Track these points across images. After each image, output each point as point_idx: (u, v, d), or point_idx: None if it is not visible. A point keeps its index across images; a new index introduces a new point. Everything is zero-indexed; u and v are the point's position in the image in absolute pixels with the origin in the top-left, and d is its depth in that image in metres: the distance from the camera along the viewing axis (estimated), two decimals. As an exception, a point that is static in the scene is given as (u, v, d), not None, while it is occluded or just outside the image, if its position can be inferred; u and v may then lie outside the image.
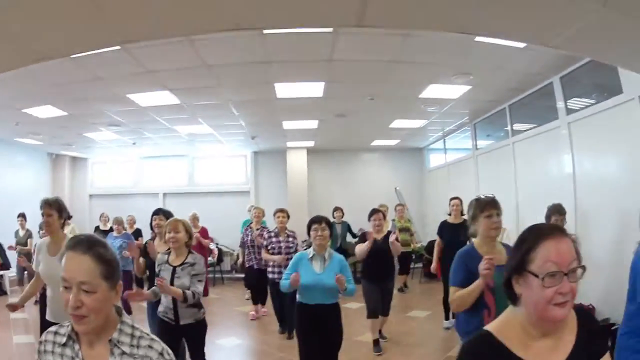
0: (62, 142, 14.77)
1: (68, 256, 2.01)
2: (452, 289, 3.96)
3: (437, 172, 16.21)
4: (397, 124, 12.70)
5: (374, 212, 8.13)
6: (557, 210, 6.71)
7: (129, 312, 10.26)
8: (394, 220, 13.20)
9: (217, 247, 15.63)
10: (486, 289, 3.73)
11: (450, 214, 9.22)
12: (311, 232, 5.49)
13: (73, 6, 3.69)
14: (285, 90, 9.21)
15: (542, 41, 4.85)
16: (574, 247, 1.93)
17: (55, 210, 5.14)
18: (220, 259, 15.74)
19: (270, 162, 17.20)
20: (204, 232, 12.94)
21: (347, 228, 13.82)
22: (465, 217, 8.20)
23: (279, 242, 8.94)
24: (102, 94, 9.28)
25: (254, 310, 10.45)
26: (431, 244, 13.67)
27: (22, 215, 12.29)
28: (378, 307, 8.00)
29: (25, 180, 15.85)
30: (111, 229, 12.06)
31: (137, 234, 12.76)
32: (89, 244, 2.02)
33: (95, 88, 8.83)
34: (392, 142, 15.99)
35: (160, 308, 5.40)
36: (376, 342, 8.08)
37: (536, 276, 1.87)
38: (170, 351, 2.10)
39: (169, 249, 5.61)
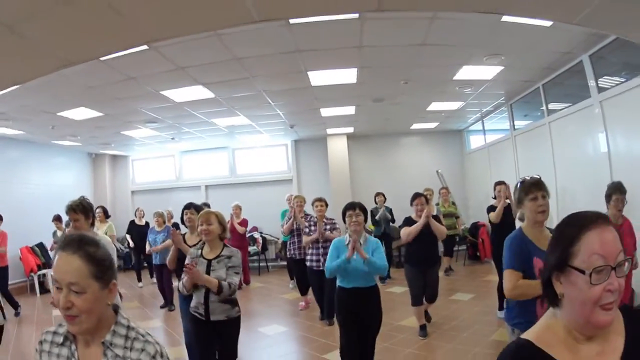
0: (100, 141, 15.10)
1: (58, 256, 1.99)
2: (508, 272, 3.73)
3: (477, 154, 16.04)
4: (434, 106, 12.63)
5: (416, 196, 7.96)
6: (617, 189, 6.28)
7: (170, 302, 10.52)
8: (437, 204, 13.22)
9: (261, 236, 15.72)
10: (539, 276, 3.27)
11: (495, 198, 9.13)
12: (346, 219, 5.50)
13: (92, 14, 3.80)
14: (318, 77, 9.22)
15: (565, 18, 4.87)
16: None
17: (80, 213, 5.21)
18: (264, 248, 15.79)
19: (311, 150, 17.22)
20: (244, 224, 13.07)
21: (390, 213, 13.66)
22: (509, 200, 8.29)
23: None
24: (136, 93, 9.46)
25: (304, 300, 10.37)
26: (474, 225, 14.26)
27: (57, 219, 12.36)
28: (421, 293, 7.87)
29: (66, 180, 16.31)
30: (147, 224, 12.39)
31: (176, 228, 12.55)
32: (78, 244, 2.00)
33: (128, 88, 9.01)
34: (431, 125, 15.86)
35: (192, 303, 5.26)
36: (423, 327, 7.91)
37: (581, 272, 1.66)
38: (164, 352, 2.08)
39: (199, 241, 5.68)
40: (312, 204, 9.30)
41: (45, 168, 15.41)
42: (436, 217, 8.06)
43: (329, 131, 15.89)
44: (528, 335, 1.79)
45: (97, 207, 11.08)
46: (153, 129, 13.35)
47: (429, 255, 7.87)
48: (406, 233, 7.69)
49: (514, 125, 12.66)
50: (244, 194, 16.44)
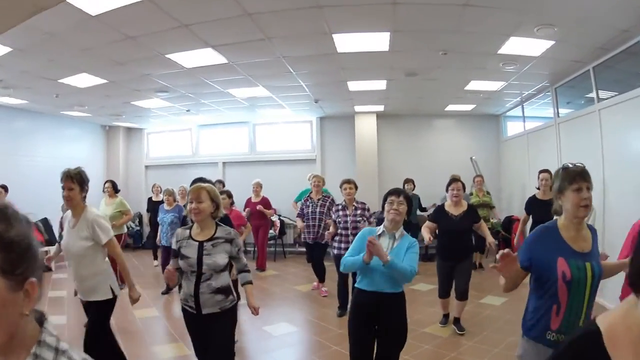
0: (111, 112, 14.79)
1: None
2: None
3: (514, 141, 15.07)
4: (473, 85, 11.63)
5: (453, 181, 7.50)
6: None
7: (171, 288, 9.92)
8: (471, 194, 12.42)
9: (279, 218, 15.09)
10: (560, 279, 3.25)
11: (538, 189, 8.47)
12: (386, 205, 4.72)
13: None
14: (345, 42, 8.32)
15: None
16: None
17: (77, 182, 5.00)
18: (282, 232, 15.20)
19: (338, 129, 16.40)
20: (265, 202, 12.69)
21: (418, 201, 13.01)
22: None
23: (346, 215, 8.41)
24: (138, 56, 8.81)
25: (317, 284, 10.02)
26: (508, 219, 13.43)
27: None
28: (448, 288, 7.72)
29: (78, 153, 16.08)
30: (162, 201, 11.70)
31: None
32: None
33: (127, 49, 8.35)
34: (468, 108, 14.92)
35: (181, 295, 4.68)
36: (445, 316, 7.85)
37: None
38: None
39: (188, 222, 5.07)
40: (340, 187, 8.78)
41: (55, 140, 15.31)
42: (473, 209, 7.75)
43: (357, 109, 15.02)
44: (602, 321, 1.57)
45: (106, 182, 10.99)
46: (165, 100, 12.80)
47: (459, 248, 7.50)
48: (424, 232, 7.40)
49: (558, 112, 11.62)
50: (263, 172, 15.67)
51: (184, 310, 4.65)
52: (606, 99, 9.21)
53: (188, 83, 10.99)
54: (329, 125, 16.61)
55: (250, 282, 4.80)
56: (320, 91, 12.36)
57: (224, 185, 13.21)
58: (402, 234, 4.69)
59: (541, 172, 8.38)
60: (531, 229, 7.91)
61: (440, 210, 7.49)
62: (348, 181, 8.68)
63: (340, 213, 8.42)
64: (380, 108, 14.98)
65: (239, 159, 17.26)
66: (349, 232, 8.21)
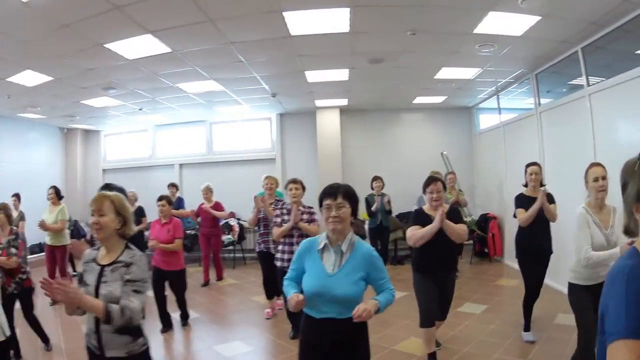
0: (64, 113, 14.04)
1: None
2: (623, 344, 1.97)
3: (489, 134, 14.25)
4: (445, 73, 10.69)
5: (431, 180, 6.05)
6: None
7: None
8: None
9: (238, 223, 14.14)
10: None
11: (525, 185, 7.22)
12: (323, 211, 3.73)
13: None
14: (299, 22, 7.30)
15: None
16: None
17: None
18: (242, 237, 14.20)
19: (299, 126, 15.54)
20: (218, 208, 11.75)
21: (387, 201, 11.94)
22: (546, 187, 7.15)
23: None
24: (75, 47, 8.03)
25: (270, 306, 8.79)
26: (483, 218, 13.42)
27: (15, 196, 11.54)
28: (435, 310, 6.03)
29: (39, 157, 15.79)
30: None
31: (139, 213, 11.05)
32: None
33: (64, 40, 7.60)
34: (438, 100, 14.04)
35: (85, 329, 3.55)
36: (432, 356, 6.05)
37: None
38: None
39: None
40: (285, 187, 7.63)
41: (15, 144, 14.85)
42: (455, 210, 6.28)
43: (319, 103, 14.14)
44: None
45: (50, 188, 10.57)
46: (114, 98, 12.02)
47: (445, 258, 6.04)
48: (417, 236, 5.82)
49: (539, 100, 10.72)
50: (221, 174, 15.32)
51: (87, 348, 3.56)
52: (595, 84, 8.46)
53: (134, 77, 10.20)
54: (290, 122, 15.78)
55: (110, 310, 3.25)
56: (277, 84, 11.35)
57: (177, 189, 13.02)
58: (353, 243, 3.70)
59: (529, 165, 7.18)
60: (518, 232, 7.15)
61: (420, 214, 6.15)
62: (294, 181, 7.51)
63: (286, 218, 7.26)
64: (344, 102, 14.12)
65: (196, 160, 16.41)
66: (294, 240, 7.07)
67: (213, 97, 12.54)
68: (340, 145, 14.99)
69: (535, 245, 6.82)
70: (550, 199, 6.80)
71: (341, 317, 3.52)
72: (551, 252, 6.93)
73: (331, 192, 3.70)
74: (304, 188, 7.52)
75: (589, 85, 8.52)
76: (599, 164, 5.07)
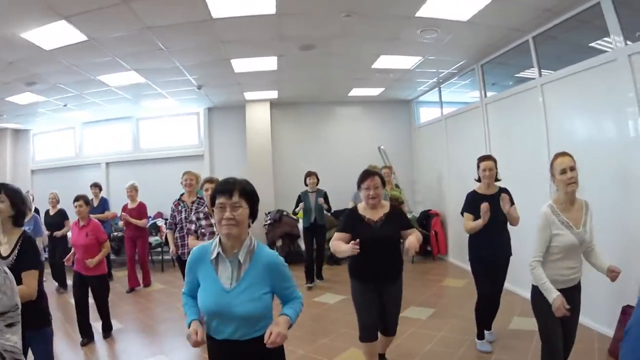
0: None
1: None
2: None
3: (429, 128, 13.82)
4: (383, 62, 10.00)
5: (367, 175, 5.26)
6: None
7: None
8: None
9: (166, 223, 13.06)
10: None
11: (479, 180, 6.46)
12: (215, 212, 3.05)
13: None
14: (220, 2, 6.55)
15: None
16: None
17: None
18: None
19: (228, 120, 14.83)
20: (141, 209, 11.04)
21: (324, 198, 11.10)
22: (501, 183, 6.50)
23: (211, 225, 6.52)
24: None
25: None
26: (424, 214, 13.10)
27: None
28: (375, 325, 5.29)
29: None
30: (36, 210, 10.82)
31: (62, 216, 10.68)
32: None
33: None
34: (375, 92, 13.46)
35: None
36: None
37: None
38: None
39: None
40: (201, 187, 7.17)
41: None
42: (397, 211, 5.50)
43: (248, 96, 13.37)
44: None
45: None
46: (38, 93, 11.18)
47: (384, 265, 5.21)
48: (337, 249, 5.15)
49: (485, 92, 10.16)
50: (149, 172, 14.70)
51: None
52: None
53: (55, 70, 9.38)
54: (218, 117, 15.09)
55: None
56: (202, 74, 10.58)
57: (100, 190, 12.19)
58: (252, 250, 3.09)
59: (482, 159, 6.39)
60: (471, 238, 6.41)
61: (352, 215, 5.39)
62: (210, 180, 6.85)
63: (203, 223, 6.53)
64: (274, 95, 13.43)
65: (122, 158, 15.61)
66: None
67: (137, 90, 11.73)
68: (270, 141, 14.41)
69: (491, 253, 6.14)
70: (506, 192, 6.21)
71: (246, 338, 3.01)
72: (510, 255, 6.30)
73: (225, 188, 3.04)
74: None
75: (540, 75, 8.03)
76: (565, 154, 4.43)
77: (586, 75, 6.77)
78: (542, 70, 8.11)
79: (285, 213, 12.83)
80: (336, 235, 5.24)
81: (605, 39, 6.49)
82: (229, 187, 3.03)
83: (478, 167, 6.34)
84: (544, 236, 4.31)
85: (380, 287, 5.25)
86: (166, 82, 11.00)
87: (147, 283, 11.28)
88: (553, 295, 4.10)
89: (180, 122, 15.35)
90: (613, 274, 4.22)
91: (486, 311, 6.37)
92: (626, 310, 5.57)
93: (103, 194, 12.48)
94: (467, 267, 6.70)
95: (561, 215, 4.32)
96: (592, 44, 6.97)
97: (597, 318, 6.37)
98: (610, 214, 6.00)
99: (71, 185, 13.07)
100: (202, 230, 6.46)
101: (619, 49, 6.11)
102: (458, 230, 7.70)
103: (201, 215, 6.53)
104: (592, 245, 4.43)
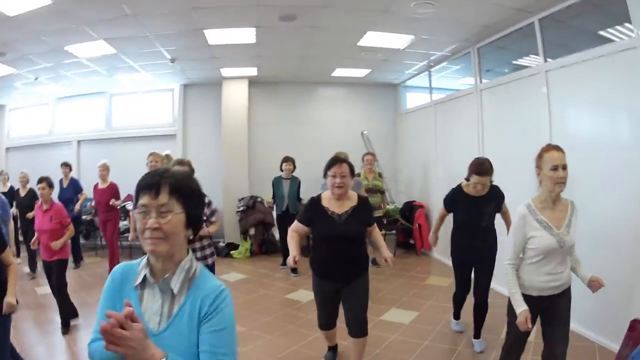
0: None
1: None
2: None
3: (416, 114, 13.12)
4: (370, 39, 9.26)
5: (334, 161, 4.86)
6: None
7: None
8: (358, 175, 10.11)
9: None
10: None
11: (468, 180, 5.79)
12: (137, 216, 2.08)
13: None
14: None
15: None
16: None
17: None
18: None
19: (204, 98, 14.05)
20: (113, 189, 10.64)
21: (298, 186, 10.72)
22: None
23: None
24: None
25: None
26: (408, 206, 12.50)
27: None
28: (331, 322, 5.31)
29: None
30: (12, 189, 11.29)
31: (32, 197, 10.32)
32: None
33: None
34: (360, 73, 12.79)
35: None
36: (332, 349, 5.71)
37: None
38: None
39: None
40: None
41: None
42: (365, 205, 5.10)
43: (225, 72, 12.54)
44: None
45: None
46: (7, 64, 10.54)
47: (347, 263, 4.92)
48: (289, 246, 4.94)
49: (480, 77, 9.50)
50: (121, 151, 13.82)
51: None
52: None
53: (21, 39, 8.73)
54: (194, 94, 14.25)
55: None
56: (175, 46, 9.78)
57: (70, 169, 11.70)
58: (192, 276, 2.12)
59: (480, 172, 5.55)
60: (454, 232, 6.14)
61: (313, 205, 4.97)
62: (180, 162, 6.31)
63: None
64: (253, 72, 12.60)
65: (94, 136, 14.82)
66: None
67: (109, 63, 10.96)
68: (247, 122, 13.63)
69: (473, 258, 5.87)
70: (499, 195, 5.83)
71: None
72: (494, 258, 5.85)
73: (149, 183, 2.06)
74: (192, 171, 6.20)
75: (546, 61, 7.34)
76: (557, 148, 3.96)
77: (599, 63, 6.11)
78: (536, 59, 7.60)
79: (259, 199, 12.22)
80: (294, 225, 5.01)
81: (617, 27, 6.06)
82: (154, 182, 2.06)
83: (470, 173, 5.68)
84: (518, 238, 3.97)
85: (342, 287, 4.96)
86: (138, 54, 10.30)
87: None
88: (519, 308, 3.83)
89: (155, 98, 14.61)
90: (596, 284, 3.89)
91: (461, 303, 6.33)
92: (635, 326, 4.92)
93: (74, 173, 12.01)
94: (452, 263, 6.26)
95: (539, 215, 3.92)
96: (602, 32, 6.42)
97: (599, 329, 5.85)
98: (623, 221, 5.55)
99: (45, 164, 12.56)
100: None
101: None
102: (444, 224, 7.14)
103: None
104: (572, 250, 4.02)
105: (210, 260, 5.96)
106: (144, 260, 2.16)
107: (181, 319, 2.03)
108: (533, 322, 3.87)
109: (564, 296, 4.02)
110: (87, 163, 13.66)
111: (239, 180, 12.76)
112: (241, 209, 12.23)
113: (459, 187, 5.88)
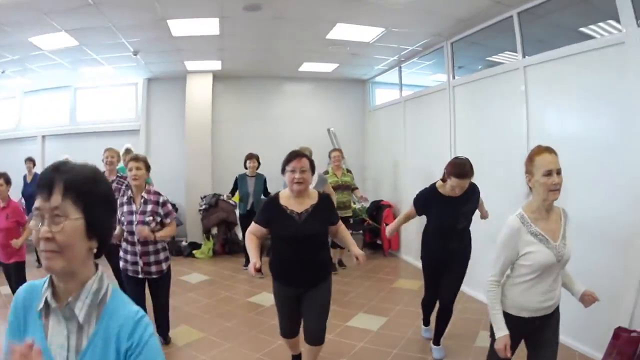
0: None
1: None
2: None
3: (386, 111, 12.94)
4: (339, 32, 8.94)
5: (292, 156, 4.53)
6: None
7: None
8: (326, 173, 9.95)
9: None
10: None
11: (444, 180, 5.36)
12: (30, 223, 1.60)
13: None
14: None
15: None
16: None
17: None
18: None
19: (168, 93, 13.61)
20: None
21: (264, 184, 10.36)
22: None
23: (132, 212, 5.59)
24: None
25: None
26: (375, 205, 12.23)
27: None
28: (293, 330, 4.95)
29: None
30: None
31: None
32: None
33: None
34: (328, 68, 12.49)
35: None
36: (297, 357, 5.26)
37: None
38: None
39: None
40: (126, 166, 6.44)
41: None
42: (326, 202, 4.75)
43: (190, 66, 12.15)
44: None
45: None
46: None
47: (312, 266, 4.62)
48: (249, 251, 4.63)
49: (453, 73, 9.22)
50: (86, 147, 12.73)
51: None
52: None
53: None
54: (158, 89, 13.82)
55: None
56: (138, 37, 9.40)
57: (34, 165, 11.57)
58: (101, 301, 1.72)
59: (459, 175, 5.12)
60: (426, 235, 5.78)
61: (271, 205, 4.64)
62: (135, 158, 5.79)
63: (125, 208, 5.59)
64: (217, 65, 12.22)
65: (59, 131, 14.32)
66: (135, 238, 5.47)
67: (73, 55, 10.53)
68: (211, 117, 13.31)
69: (444, 262, 5.49)
70: (475, 191, 5.49)
71: None
72: (469, 253, 5.61)
73: (43, 181, 1.66)
74: (148, 168, 5.83)
75: (524, 56, 7.07)
76: (550, 150, 3.44)
77: (583, 59, 5.89)
78: (511, 54, 7.50)
79: (222, 197, 11.86)
80: (251, 227, 4.62)
81: (600, 24, 6.03)
82: (47, 179, 1.65)
83: (448, 174, 5.24)
84: (507, 253, 3.45)
85: (302, 292, 4.66)
86: (100, 45, 9.93)
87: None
88: (500, 332, 3.40)
89: (119, 93, 14.26)
90: (589, 298, 3.56)
91: (431, 309, 6.02)
92: (619, 334, 4.74)
93: (38, 169, 11.54)
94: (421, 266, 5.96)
95: (533, 227, 3.40)
96: (583, 29, 6.34)
97: (581, 337, 5.65)
98: (607, 225, 5.38)
99: (11, 159, 12.18)
100: (122, 218, 5.47)
101: (629, 32, 5.22)
102: (412, 225, 6.89)
103: (125, 199, 5.57)
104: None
105: (164, 266, 5.61)
106: (47, 278, 1.76)
107: (93, 355, 1.64)
108: (516, 346, 3.54)
109: (554, 317, 3.61)
110: (52, 158, 13.04)
111: (202, 177, 12.51)
112: (203, 207, 11.93)
113: (433, 187, 5.48)
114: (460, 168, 5.13)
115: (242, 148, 11.43)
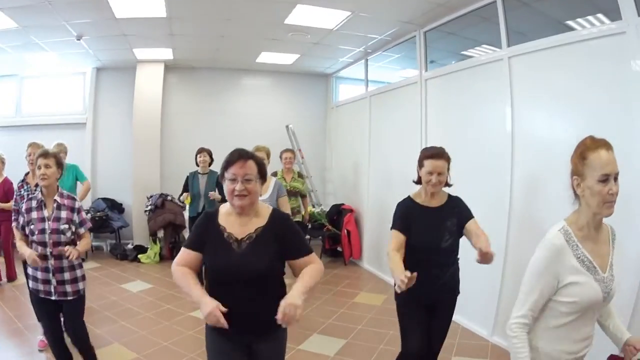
0: None
1: None
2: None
3: (349, 107, 12.32)
4: (300, 15, 8.12)
5: (235, 158, 3.09)
6: None
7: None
8: (275, 174, 9.13)
9: None
10: None
11: (417, 182, 4.39)
12: None
13: None
14: None
15: None
16: None
17: None
18: None
19: (117, 84, 12.75)
20: (7, 186, 9.03)
21: (216, 182, 9.31)
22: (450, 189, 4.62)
23: (43, 219, 4.51)
24: None
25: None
26: (336, 209, 11.66)
27: None
28: None
29: None
30: None
31: None
32: None
33: None
34: (288, 59, 11.79)
35: None
36: None
37: None
38: None
39: None
40: (35, 164, 4.93)
41: None
42: (283, 220, 3.32)
43: (139, 54, 11.32)
44: None
45: None
46: None
47: (258, 311, 3.05)
48: (184, 289, 3.09)
49: (426, 65, 8.54)
50: (30, 140, 11.97)
51: None
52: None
53: None
54: (107, 79, 12.93)
55: None
56: (78, 18, 8.49)
57: None
58: None
59: (430, 156, 4.17)
60: (407, 255, 4.21)
61: (207, 221, 3.24)
62: (44, 154, 4.71)
63: (34, 215, 4.49)
64: (169, 54, 11.37)
65: (3, 122, 13.36)
66: (48, 250, 4.41)
67: (15, 39, 9.66)
68: (160, 110, 12.49)
69: (429, 296, 4.16)
70: (459, 205, 4.29)
71: None
72: (458, 285, 4.36)
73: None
74: (60, 165, 4.82)
75: (509, 45, 6.41)
76: (609, 146, 2.56)
77: (577, 49, 5.33)
78: (488, 48, 6.98)
79: (169, 198, 11.18)
80: (180, 256, 3.18)
81: (588, 17, 5.49)
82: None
83: (421, 164, 4.25)
84: (544, 283, 2.51)
85: (247, 345, 3.19)
86: (41, 28, 9.12)
87: (11, 277, 9.46)
88: None
89: (66, 83, 13.36)
90: (632, 350, 2.60)
91: None
92: None
93: None
94: (386, 276, 5.54)
95: (581, 249, 2.48)
96: (569, 22, 5.80)
97: None
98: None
99: None
100: (31, 226, 4.44)
101: (629, 20, 4.67)
102: (375, 231, 6.09)
103: (34, 203, 4.55)
104: None
105: (81, 285, 4.54)
106: None
107: None
108: None
109: None
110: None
111: (149, 175, 11.78)
112: (149, 208, 11.18)
113: (408, 199, 4.37)
114: (432, 149, 4.24)
115: (194, 144, 10.59)
